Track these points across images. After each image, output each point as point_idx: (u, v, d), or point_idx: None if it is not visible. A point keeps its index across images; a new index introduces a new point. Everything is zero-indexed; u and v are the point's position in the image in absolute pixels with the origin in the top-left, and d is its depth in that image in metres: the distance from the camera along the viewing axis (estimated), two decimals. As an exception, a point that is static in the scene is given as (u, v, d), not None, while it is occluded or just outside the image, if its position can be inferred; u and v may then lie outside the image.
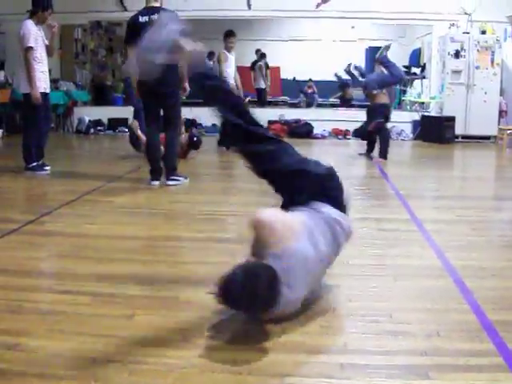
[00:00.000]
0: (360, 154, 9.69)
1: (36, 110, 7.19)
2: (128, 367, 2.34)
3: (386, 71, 9.36)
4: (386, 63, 9.31)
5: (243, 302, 2.53)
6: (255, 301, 2.53)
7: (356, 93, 16.05)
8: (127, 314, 2.86)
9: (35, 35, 7.07)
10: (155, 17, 6.34)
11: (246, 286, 2.48)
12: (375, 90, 9.02)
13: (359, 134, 10.03)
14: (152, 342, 2.57)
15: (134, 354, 2.45)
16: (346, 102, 16.44)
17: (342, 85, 16.25)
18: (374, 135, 9.28)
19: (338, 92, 17.15)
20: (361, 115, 10.85)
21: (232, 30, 10.24)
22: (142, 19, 6.39)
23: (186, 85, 6.70)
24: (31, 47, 7.00)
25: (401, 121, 12.87)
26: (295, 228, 2.80)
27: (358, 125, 10.00)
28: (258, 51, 16.61)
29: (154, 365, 2.37)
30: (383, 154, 9.02)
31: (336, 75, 11.57)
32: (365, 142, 9.58)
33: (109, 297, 3.10)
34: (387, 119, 9.25)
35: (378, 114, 9.05)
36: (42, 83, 7.23)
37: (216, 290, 2.52)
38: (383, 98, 9.12)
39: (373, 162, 9.05)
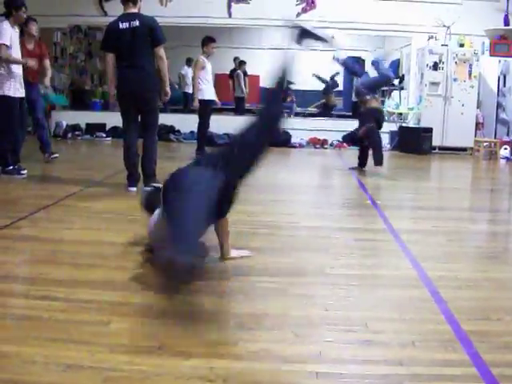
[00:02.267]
0: (351, 169, 9.26)
1: (10, 113, 7.14)
2: (102, 374, 2.32)
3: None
4: (377, 63, 9.06)
5: None
6: None
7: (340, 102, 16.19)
8: (103, 321, 2.84)
9: (10, 36, 7.02)
10: (136, 23, 6.36)
11: None
12: (367, 95, 8.77)
13: (348, 138, 9.54)
14: (127, 348, 2.56)
15: (108, 361, 2.43)
16: (328, 110, 16.44)
17: (326, 88, 16.23)
18: (365, 141, 8.88)
19: (321, 99, 17.18)
20: (339, 125, 10.91)
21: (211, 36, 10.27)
22: (123, 25, 6.39)
23: (168, 89, 6.70)
24: (5, 44, 6.95)
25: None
26: None
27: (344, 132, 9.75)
28: (235, 59, 16.61)
29: (128, 372, 2.36)
30: (379, 161, 8.67)
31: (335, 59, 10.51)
32: (346, 152, 9.47)
33: (85, 303, 3.08)
34: (378, 124, 8.86)
35: (369, 119, 8.71)
36: (18, 87, 7.19)
37: None
38: (374, 102, 8.88)
39: (374, 167, 8.76)
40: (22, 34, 8.32)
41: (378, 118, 8.87)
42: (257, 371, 2.41)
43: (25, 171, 7.37)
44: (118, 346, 2.58)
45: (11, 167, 7.26)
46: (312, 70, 16.78)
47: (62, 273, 3.59)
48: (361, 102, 9.19)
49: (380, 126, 8.95)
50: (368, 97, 8.79)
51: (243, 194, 3.44)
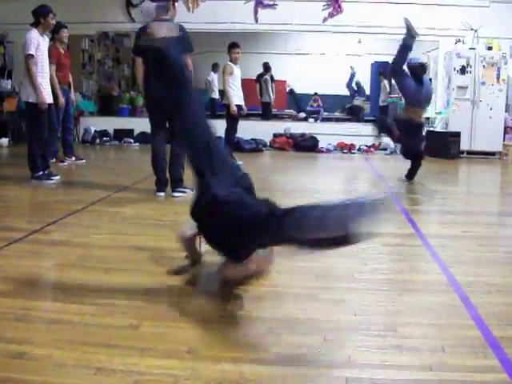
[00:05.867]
0: (403, 180, 8.41)
1: (39, 119, 7.22)
2: (132, 378, 2.34)
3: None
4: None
5: None
6: None
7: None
8: (133, 325, 2.86)
9: (37, 44, 7.08)
10: None
11: None
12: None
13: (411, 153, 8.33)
14: (157, 352, 2.58)
15: (138, 365, 2.45)
16: (354, 114, 16.47)
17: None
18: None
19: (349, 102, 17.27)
20: (365, 130, 10.86)
21: (236, 42, 10.26)
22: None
23: None
24: (31, 55, 7.03)
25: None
26: None
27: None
28: (264, 64, 16.59)
29: (158, 376, 2.37)
30: (412, 176, 8.27)
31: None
32: (373, 157, 9.18)
33: (114, 307, 3.11)
34: None
35: (421, 135, 8.25)
36: (44, 94, 7.24)
37: None
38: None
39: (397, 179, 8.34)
40: (52, 39, 8.51)
41: None
42: (286, 376, 2.41)
43: (57, 177, 7.46)
44: (148, 349, 2.59)
45: (41, 173, 7.34)
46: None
47: (91, 277, 3.62)
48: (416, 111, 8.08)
49: None
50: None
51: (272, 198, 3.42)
